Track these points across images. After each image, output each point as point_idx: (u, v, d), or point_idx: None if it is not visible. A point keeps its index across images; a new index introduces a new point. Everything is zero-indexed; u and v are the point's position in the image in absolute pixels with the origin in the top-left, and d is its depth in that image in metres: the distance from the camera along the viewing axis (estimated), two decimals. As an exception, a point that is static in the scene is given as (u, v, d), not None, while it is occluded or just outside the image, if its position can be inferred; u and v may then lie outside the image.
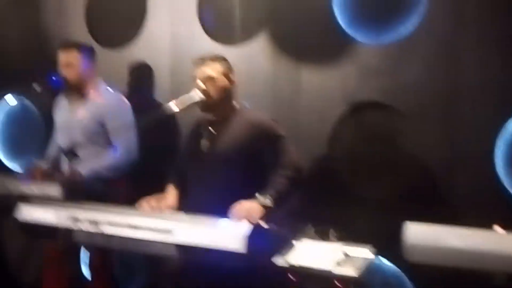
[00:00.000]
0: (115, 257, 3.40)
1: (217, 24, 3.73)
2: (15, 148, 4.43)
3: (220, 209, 2.42)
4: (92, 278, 3.00)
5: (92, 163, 3.24)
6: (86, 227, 2.32)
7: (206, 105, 2.72)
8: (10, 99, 4.34)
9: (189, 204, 2.65)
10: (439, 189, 3.12)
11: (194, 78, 2.74)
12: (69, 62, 3.33)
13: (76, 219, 2.37)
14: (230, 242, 2.12)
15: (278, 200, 2.57)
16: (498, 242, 1.96)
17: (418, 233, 2.11)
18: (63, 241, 2.41)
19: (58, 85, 3.07)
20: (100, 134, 3.32)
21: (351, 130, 3.32)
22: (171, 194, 2.81)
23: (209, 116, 2.78)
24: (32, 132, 4.29)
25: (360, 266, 2.32)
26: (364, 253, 2.46)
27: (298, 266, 2.31)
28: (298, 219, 2.70)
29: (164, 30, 3.88)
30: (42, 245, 3.40)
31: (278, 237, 2.48)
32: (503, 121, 2.96)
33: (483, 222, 2.13)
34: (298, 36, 3.44)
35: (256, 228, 2.21)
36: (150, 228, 2.22)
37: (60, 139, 3.45)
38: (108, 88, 3.47)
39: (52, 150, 3.57)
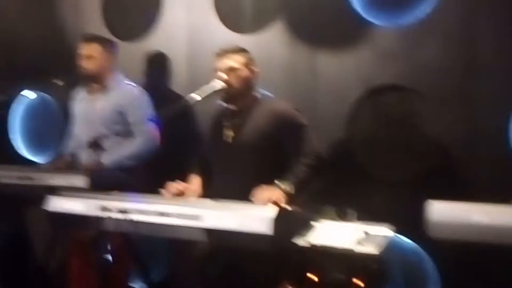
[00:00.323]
0: (137, 244, 3.46)
1: (232, 13, 3.75)
2: (35, 141, 4.50)
3: (245, 196, 2.48)
4: (113, 264, 3.06)
5: (114, 153, 3.31)
6: (115, 215, 2.38)
7: (228, 96, 2.77)
8: (29, 94, 4.41)
9: (214, 192, 2.71)
10: (457, 167, 3.15)
11: (216, 70, 2.77)
12: (90, 55, 3.42)
13: (105, 208, 2.43)
14: (257, 225, 2.17)
15: (299, 186, 2.62)
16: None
17: (441, 210, 2.15)
18: (93, 230, 2.47)
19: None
20: (121, 125, 3.39)
21: (368, 113, 3.35)
22: (194, 181, 2.86)
23: (231, 106, 2.82)
24: (52, 126, 4.37)
25: (380, 243, 2.35)
26: (384, 231, 2.50)
27: (319, 245, 2.35)
28: (318, 201, 2.75)
29: (180, 20, 3.91)
30: (68, 235, 3.48)
31: (301, 219, 2.54)
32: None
33: (503, 197, 2.17)
34: (313, 22, 3.47)
35: (281, 211, 2.26)
36: (179, 214, 2.28)
37: (81, 131, 3.52)
38: (127, 80, 3.55)
39: (70, 143, 3.64)
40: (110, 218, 2.41)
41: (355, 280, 2.34)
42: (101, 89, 3.50)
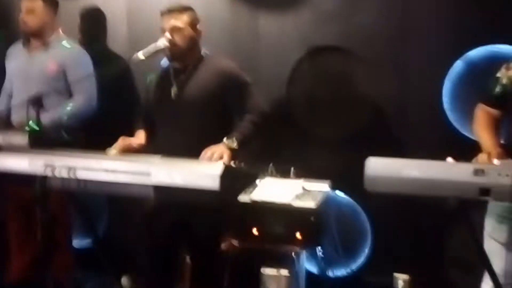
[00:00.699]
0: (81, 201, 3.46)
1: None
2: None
3: (190, 152, 2.54)
4: (54, 224, 3.06)
5: (53, 112, 3.26)
6: (62, 173, 2.38)
7: (173, 55, 2.79)
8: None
9: (160, 148, 2.74)
10: (392, 126, 3.33)
11: (161, 29, 2.78)
12: (32, 10, 3.33)
13: (50, 166, 2.41)
14: (205, 181, 2.24)
15: (244, 142, 2.72)
16: (449, 170, 2.16)
17: (378, 166, 2.28)
18: (39, 188, 2.46)
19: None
20: (61, 83, 3.34)
21: (308, 73, 3.45)
22: (139, 136, 2.90)
23: (176, 64, 2.84)
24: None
25: (317, 198, 2.50)
26: (321, 187, 2.65)
27: (260, 201, 2.47)
28: (260, 159, 2.85)
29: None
30: (8, 195, 3.44)
31: (245, 176, 2.64)
32: (451, 62, 3.16)
33: (434, 155, 2.34)
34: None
35: (227, 167, 2.34)
36: (127, 171, 2.30)
37: (18, 88, 3.43)
38: (67, 38, 3.48)
39: (4, 100, 3.55)
40: (55, 176, 2.40)
41: (294, 233, 2.49)
42: (41, 46, 3.41)
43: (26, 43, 3.47)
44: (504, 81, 2.46)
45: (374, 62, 3.31)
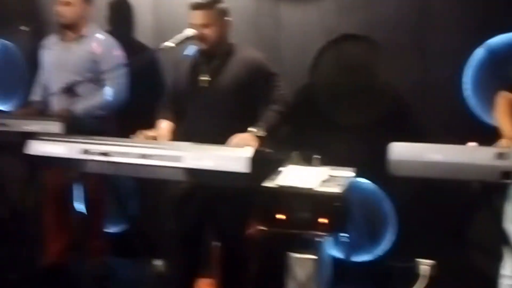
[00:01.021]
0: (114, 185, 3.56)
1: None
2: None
3: (218, 138, 2.62)
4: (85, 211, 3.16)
5: (85, 102, 3.36)
6: (98, 158, 2.49)
7: (204, 47, 2.86)
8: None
9: (189, 134, 2.84)
10: (414, 114, 3.38)
11: (190, 25, 2.83)
12: (68, 2, 3.45)
13: (87, 151, 2.53)
14: (235, 164, 2.33)
15: (269, 131, 2.80)
16: (471, 155, 2.23)
17: (402, 150, 2.36)
18: (75, 171, 2.57)
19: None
20: (94, 73, 3.44)
21: (331, 62, 3.51)
22: (163, 126, 2.96)
23: (206, 53, 2.90)
24: (15, 73, 4.34)
25: (342, 184, 2.54)
26: (346, 173, 2.70)
27: (286, 186, 2.52)
28: (286, 147, 2.93)
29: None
30: (44, 180, 3.56)
31: (272, 161, 2.71)
32: (471, 49, 3.21)
33: (455, 140, 2.40)
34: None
35: (257, 152, 2.42)
36: (161, 156, 2.41)
37: (53, 78, 3.54)
38: (100, 30, 3.60)
39: (39, 89, 3.68)
40: (91, 161, 2.52)
41: (319, 218, 2.54)
42: (75, 37, 3.54)
43: (61, 34, 3.58)
44: None
45: (396, 50, 3.36)
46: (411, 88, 3.38)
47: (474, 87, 3.22)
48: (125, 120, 3.42)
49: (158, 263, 3.64)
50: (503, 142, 2.45)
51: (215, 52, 2.90)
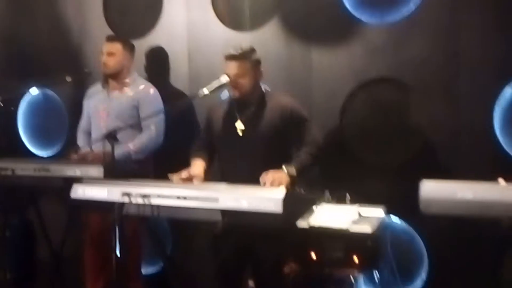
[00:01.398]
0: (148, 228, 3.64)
1: (230, 11, 3.95)
2: (40, 137, 4.69)
3: (252, 181, 2.72)
4: (124, 253, 3.22)
5: (123, 146, 3.50)
6: (138, 200, 2.60)
7: (238, 95, 2.97)
8: (34, 91, 4.57)
9: (224, 177, 2.95)
10: (445, 151, 3.41)
11: (225, 74, 2.94)
12: (112, 52, 3.67)
13: (127, 194, 2.65)
14: (269, 205, 2.41)
15: (301, 171, 2.89)
16: (503, 192, 2.26)
17: (433, 188, 2.39)
18: (117, 214, 2.68)
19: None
20: (135, 120, 3.62)
21: (361, 104, 3.59)
22: (197, 166, 3.05)
23: (241, 101, 3.01)
24: (56, 121, 4.55)
25: (373, 223, 2.55)
26: (377, 212, 2.73)
27: (318, 226, 2.56)
28: (317, 186, 2.99)
29: (181, 18, 4.09)
30: (85, 224, 3.69)
31: (304, 201, 2.77)
32: (500, 89, 3.25)
33: (486, 178, 2.43)
34: (307, 20, 3.70)
35: (289, 192, 2.50)
36: (197, 197, 2.51)
37: (96, 126, 3.73)
38: (141, 78, 3.81)
39: (82, 137, 3.85)
40: (131, 203, 2.63)
41: (351, 257, 2.57)
42: (118, 86, 3.73)
43: (105, 83, 3.79)
44: None
45: (425, 91, 3.42)
46: (441, 127, 3.42)
47: (504, 125, 3.26)
48: (163, 163, 3.56)
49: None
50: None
51: (248, 100, 3.01)
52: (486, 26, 3.30)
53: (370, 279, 3.04)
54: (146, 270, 4.02)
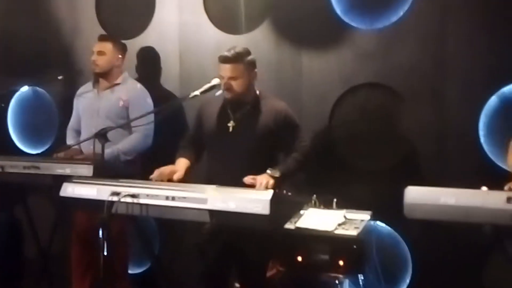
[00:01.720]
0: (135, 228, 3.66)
1: (222, 14, 3.97)
2: (30, 134, 4.70)
3: (238, 182, 2.76)
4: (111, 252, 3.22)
5: (112, 147, 3.51)
6: (127, 199, 2.63)
7: (231, 96, 3.00)
8: (24, 88, 4.57)
9: (212, 176, 2.99)
10: (430, 158, 3.46)
11: (219, 76, 2.98)
12: (102, 51, 3.69)
13: (116, 193, 2.67)
14: (255, 206, 2.45)
15: (287, 175, 2.94)
16: (484, 198, 2.31)
17: (417, 194, 2.45)
18: (106, 212, 2.70)
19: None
20: (124, 119, 3.63)
21: (349, 109, 3.63)
22: (180, 163, 3.08)
23: (233, 101, 3.03)
24: (46, 119, 4.56)
25: (358, 227, 2.58)
26: (362, 216, 2.76)
27: (304, 228, 2.58)
28: (304, 190, 3.03)
29: (172, 20, 4.10)
30: (72, 222, 3.69)
31: (291, 204, 2.81)
32: (486, 98, 3.30)
33: (470, 184, 2.48)
34: (298, 24, 3.73)
35: (276, 194, 2.54)
36: (186, 198, 2.54)
37: (86, 125, 3.75)
38: (132, 79, 3.82)
39: (71, 134, 3.87)
40: (119, 202, 2.65)
41: (337, 260, 2.60)
42: (109, 86, 3.75)
43: (96, 83, 3.81)
44: None
45: (412, 97, 3.46)
46: (427, 134, 3.47)
47: (488, 133, 3.31)
48: (151, 163, 3.57)
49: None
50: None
51: (242, 101, 3.04)
52: (474, 34, 3.34)
53: (355, 282, 3.08)
54: (133, 269, 4.04)
